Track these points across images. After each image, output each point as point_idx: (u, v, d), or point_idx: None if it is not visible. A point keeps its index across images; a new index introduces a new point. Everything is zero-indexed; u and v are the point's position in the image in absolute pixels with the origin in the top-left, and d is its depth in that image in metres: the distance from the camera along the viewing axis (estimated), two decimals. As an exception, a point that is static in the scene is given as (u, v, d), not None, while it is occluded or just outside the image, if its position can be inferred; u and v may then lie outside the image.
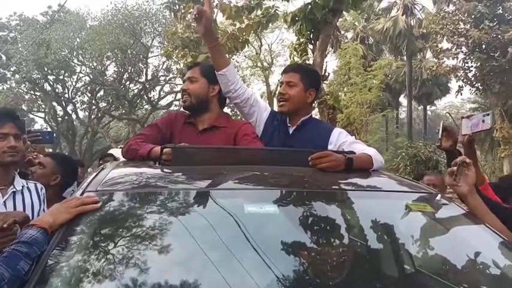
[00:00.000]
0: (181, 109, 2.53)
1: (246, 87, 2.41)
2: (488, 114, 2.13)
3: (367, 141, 12.60)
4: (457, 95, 20.36)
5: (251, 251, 1.31)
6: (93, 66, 23.19)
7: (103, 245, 1.33)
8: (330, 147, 2.19)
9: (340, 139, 2.23)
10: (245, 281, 1.25)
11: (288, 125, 2.33)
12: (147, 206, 1.51)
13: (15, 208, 2.05)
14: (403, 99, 30.94)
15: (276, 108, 2.48)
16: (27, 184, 2.19)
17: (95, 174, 1.72)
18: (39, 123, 26.63)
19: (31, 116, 26.90)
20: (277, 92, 2.38)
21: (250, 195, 1.64)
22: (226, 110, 2.70)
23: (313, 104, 2.47)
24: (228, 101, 2.42)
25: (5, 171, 2.10)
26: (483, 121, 2.12)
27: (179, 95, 2.66)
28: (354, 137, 2.44)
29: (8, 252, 1.21)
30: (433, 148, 13.24)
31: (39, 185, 2.25)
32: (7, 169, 2.11)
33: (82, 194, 1.50)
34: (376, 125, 17.47)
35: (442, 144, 2.25)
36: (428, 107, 32.52)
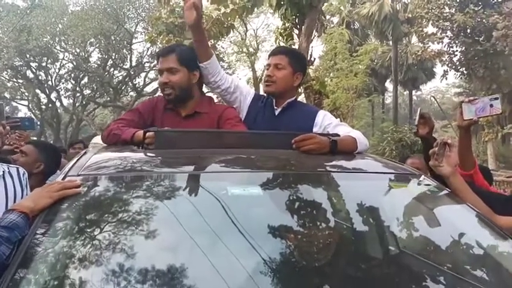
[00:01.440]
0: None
1: (226, 76, 2.36)
2: (496, 98, 2.11)
3: (353, 126, 12.62)
4: (442, 79, 20.63)
5: (237, 233, 1.31)
6: (76, 53, 22.80)
7: (85, 229, 1.31)
8: (315, 129, 2.19)
9: (324, 121, 2.23)
10: (231, 263, 1.25)
11: (275, 107, 2.32)
12: (130, 189, 1.49)
13: None
14: (389, 84, 31.15)
15: (262, 93, 2.46)
16: (8, 169, 2.15)
17: (76, 158, 1.70)
18: (23, 111, 26.24)
19: (14, 104, 26.44)
20: (263, 74, 2.35)
21: (234, 178, 1.64)
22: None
23: (299, 89, 2.46)
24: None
25: None
26: (491, 105, 2.09)
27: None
28: (339, 119, 2.44)
29: None
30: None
31: (21, 170, 2.21)
32: None
33: (64, 178, 1.48)
34: (362, 110, 17.54)
35: (419, 132, 2.27)
36: (413, 92, 32.77)
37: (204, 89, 2.45)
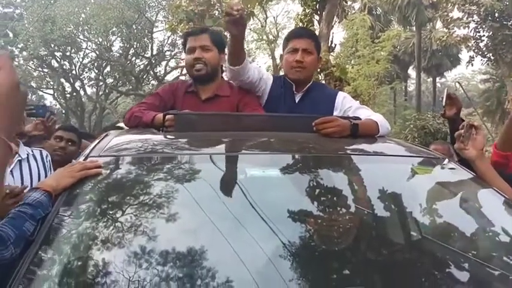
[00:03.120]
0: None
1: (253, 72, 2.23)
2: None
3: (375, 113, 12.46)
4: (467, 65, 20.08)
5: (257, 216, 1.30)
6: (98, 42, 23.02)
7: (106, 209, 1.33)
8: (335, 112, 2.15)
9: (345, 104, 2.20)
10: (251, 245, 1.24)
11: (295, 92, 2.28)
12: (150, 171, 1.51)
13: (22, 176, 2.07)
14: (411, 71, 30.53)
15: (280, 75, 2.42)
16: (32, 152, 2.20)
17: (98, 140, 1.72)
18: (49, 100, 26.72)
19: (40, 93, 26.97)
20: (289, 59, 2.21)
21: (254, 160, 1.63)
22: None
23: (320, 76, 2.40)
24: None
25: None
26: None
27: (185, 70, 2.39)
28: (359, 102, 2.39)
29: (14, 213, 1.23)
30: (442, 120, 13.11)
31: (44, 152, 2.26)
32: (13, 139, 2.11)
33: (85, 159, 1.50)
34: (384, 98, 17.27)
35: (446, 113, 2.20)
36: (437, 79, 32.04)
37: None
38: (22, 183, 2.01)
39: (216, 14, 12.81)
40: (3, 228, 1.15)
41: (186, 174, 1.50)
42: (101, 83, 25.11)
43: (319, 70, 9.22)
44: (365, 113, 2.11)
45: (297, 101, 2.27)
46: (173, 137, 1.79)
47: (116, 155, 1.55)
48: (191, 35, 2.28)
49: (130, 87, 24.20)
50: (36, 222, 1.22)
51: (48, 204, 1.27)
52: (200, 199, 1.37)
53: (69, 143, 2.66)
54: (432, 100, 29.92)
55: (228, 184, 1.46)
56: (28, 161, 2.14)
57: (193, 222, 1.34)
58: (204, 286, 1.09)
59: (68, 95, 25.50)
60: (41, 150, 2.28)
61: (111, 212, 1.31)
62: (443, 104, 2.19)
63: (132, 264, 1.13)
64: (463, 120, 2.07)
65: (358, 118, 1.97)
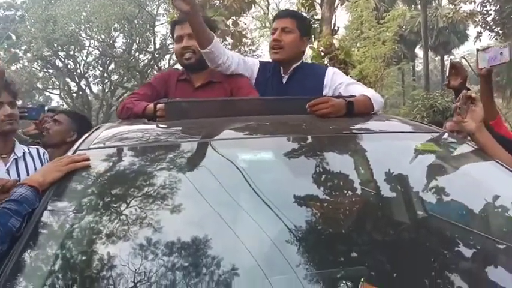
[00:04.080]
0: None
1: (232, 54, 2.21)
2: (506, 47, 2.01)
3: (383, 96, 12.35)
4: (475, 41, 19.64)
5: (257, 199, 1.28)
6: (101, 39, 23.08)
7: (95, 201, 1.31)
8: (325, 90, 2.11)
9: (334, 81, 2.14)
10: (254, 230, 1.22)
11: (282, 75, 2.23)
12: (140, 160, 1.48)
13: (18, 175, 2.05)
14: (419, 51, 30.09)
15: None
16: (28, 150, 2.19)
17: (88, 133, 1.70)
18: (55, 100, 26.92)
19: (47, 94, 27.17)
20: (270, 41, 2.22)
21: (248, 144, 1.60)
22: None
23: (324, 60, 2.35)
24: None
25: (4, 139, 2.10)
26: (501, 53, 1.99)
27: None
28: (349, 77, 2.34)
29: None
30: (450, 98, 12.92)
31: (41, 150, 2.25)
32: (6, 137, 2.10)
33: (74, 153, 1.47)
34: (392, 79, 17.01)
35: (451, 83, 2.10)
36: (445, 57, 31.58)
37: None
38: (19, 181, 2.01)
39: (217, 4, 12.72)
40: None
41: (179, 162, 1.47)
42: (106, 80, 25.22)
43: (323, 54, 9.13)
44: (357, 89, 2.05)
45: (284, 82, 2.22)
46: (165, 126, 1.75)
47: (105, 147, 1.52)
48: (178, 23, 2.23)
49: (136, 82, 24.24)
50: (22, 218, 1.19)
51: (34, 200, 1.25)
52: (195, 186, 1.34)
53: (56, 123, 2.64)
54: (441, 79, 29.52)
55: (223, 169, 1.42)
56: (24, 159, 2.13)
57: (191, 210, 1.31)
58: (209, 274, 1.08)
59: (74, 94, 25.67)
60: (37, 148, 2.27)
61: (100, 205, 1.29)
62: (447, 74, 2.11)
63: (123, 257, 1.10)
64: (469, 90, 2.01)
65: (351, 96, 1.93)
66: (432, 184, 1.55)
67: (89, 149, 1.48)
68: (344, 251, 1.25)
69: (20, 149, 2.14)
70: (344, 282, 1.13)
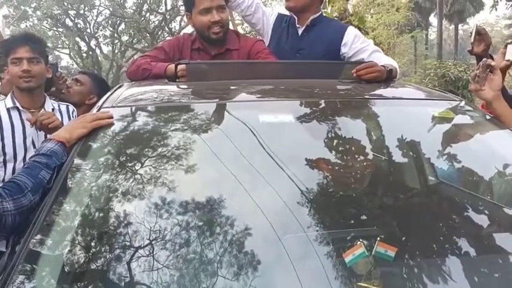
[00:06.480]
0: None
1: (248, 2, 2.27)
2: None
3: (394, 64, 12.16)
4: (491, 10, 19.15)
5: (270, 161, 1.30)
6: (111, -2, 22.72)
7: (121, 158, 1.35)
8: (343, 48, 2.10)
9: (356, 43, 2.13)
10: (268, 192, 1.24)
11: (297, 25, 2.20)
12: (163, 120, 1.50)
13: None
14: (433, 19, 29.42)
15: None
16: (58, 106, 2.21)
17: (111, 92, 1.72)
18: (65, 59, 26.80)
19: (57, 53, 27.02)
20: None
21: (269, 106, 1.61)
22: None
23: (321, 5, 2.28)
24: None
25: (31, 95, 2.10)
26: None
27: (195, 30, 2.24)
28: (372, 41, 2.32)
29: (29, 163, 1.26)
30: (463, 68, 12.71)
31: (70, 107, 2.27)
32: (32, 93, 2.10)
33: (98, 110, 1.50)
34: (405, 47, 16.74)
35: (474, 49, 2.07)
36: (460, 26, 30.85)
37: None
38: (46, 136, 2.04)
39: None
40: (20, 178, 1.19)
41: (202, 123, 1.49)
42: (116, 41, 24.96)
43: (336, 19, 8.95)
44: (382, 58, 2.06)
45: (299, 34, 2.19)
46: (186, 87, 1.77)
47: (130, 105, 1.55)
48: None
49: (146, 44, 23.99)
50: (52, 170, 1.24)
51: (62, 154, 1.30)
52: (218, 148, 1.36)
53: (78, 83, 2.60)
54: (454, 49, 28.94)
55: (245, 131, 1.42)
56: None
57: (212, 171, 1.34)
58: (223, 233, 1.10)
59: (84, 54, 25.50)
60: (67, 105, 2.28)
61: (126, 162, 1.33)
62: (472, 39, 2.08)
63: (149, 214, 1.14)
64: (492, 58, 1.99)
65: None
66: (446, 151, 1.58)
67: (113, 107, 1.51)
68: (358, 214, 1.28)
69: (50, 104, 2.16)
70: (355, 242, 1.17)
